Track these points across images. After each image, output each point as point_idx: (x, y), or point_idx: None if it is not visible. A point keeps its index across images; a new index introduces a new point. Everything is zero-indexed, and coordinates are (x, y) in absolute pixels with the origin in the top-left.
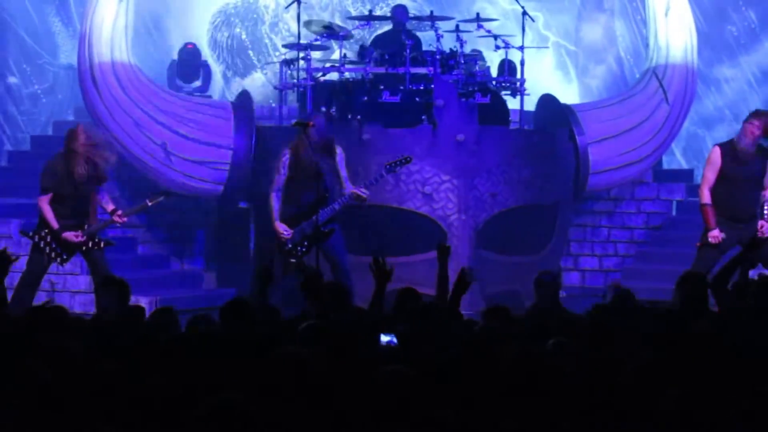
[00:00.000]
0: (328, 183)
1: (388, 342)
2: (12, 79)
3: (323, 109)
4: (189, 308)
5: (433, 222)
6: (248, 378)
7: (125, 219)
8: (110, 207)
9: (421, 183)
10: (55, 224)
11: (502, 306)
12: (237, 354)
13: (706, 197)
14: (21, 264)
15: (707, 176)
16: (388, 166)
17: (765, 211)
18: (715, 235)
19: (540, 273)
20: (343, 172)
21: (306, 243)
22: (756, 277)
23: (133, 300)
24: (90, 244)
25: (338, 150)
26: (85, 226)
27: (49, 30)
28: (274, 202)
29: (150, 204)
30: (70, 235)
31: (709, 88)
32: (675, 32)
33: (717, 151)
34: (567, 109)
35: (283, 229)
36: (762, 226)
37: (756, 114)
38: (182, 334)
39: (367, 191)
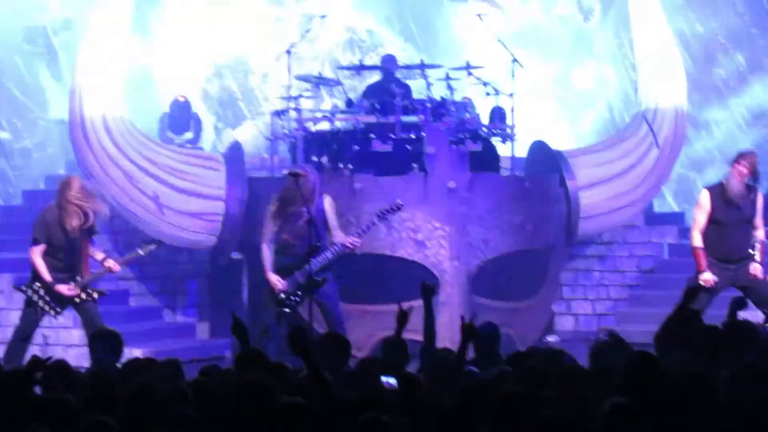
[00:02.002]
0: (320, 232)
1: (389, 384)
2: (3, 134)
3: (314, 159)
4: (183, 359)
5: (425, 270)
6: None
7: (118, 268)
8: (101, 257)
9: (413, 230)
10: (47, 277)
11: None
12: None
13: (697, 240)
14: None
15: (697, 219)
16: (379, 214)
17: (757, 252)
18: (707, 278)
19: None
20: (333, 222)
21: (299, 292)
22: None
23: (127, 352)
24: (83, 296)
25: (328, 199)
26: (78, 278)
27: (39, 85)
28: (266, 253)
29: (142, 253)
30: (62, 288)
31: (699, 131)
32: (664, 76)
33: (706, 194)
34: (558, 154)
35: (276, 279)
36: (755, 268)
37: (742, 155)
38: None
39: (358, 240)
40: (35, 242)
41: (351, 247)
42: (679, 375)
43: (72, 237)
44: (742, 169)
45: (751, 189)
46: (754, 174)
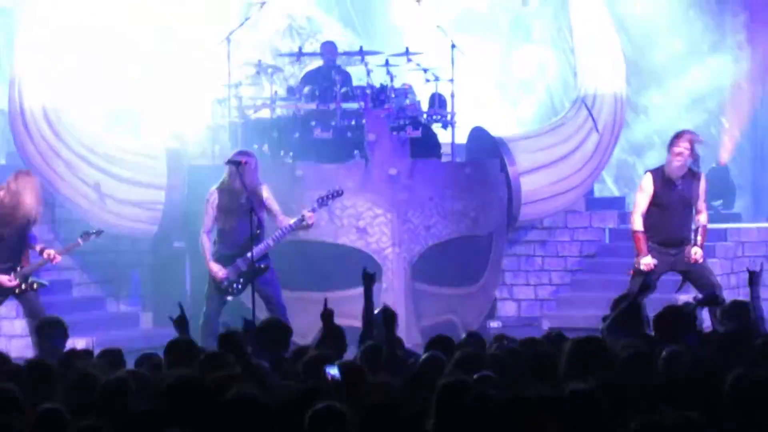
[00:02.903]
0: (261, 220)
1: (333, 375)
2: None
3: (255, 146)
4: (126, 348)
5: (367, 256)
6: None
7: (59, 258)
8: (40, 247)
9: (355, 218)
10: None
11: (445, 336)
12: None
13: (637, 224)
14: None
15: (639, 203)
16: (319, 200)
17: (698, 236)
18: (646, 262)
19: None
20: (276, 207)
21: (241, 280)
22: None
23: (70, 342)
24: (23, 286)
25: (265, 187)
26: (18, 269)
27: None
28: (206, 242)
29: (82, 243)
30: (2, 279)
31: (638, 116)
32: (603, 61)
33: (649, 177)
34: (498, 140)
35: (217, 268)
36: (695, 252)
37: (679, 135)
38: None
39: (312, 214)
40: None
41: (309, 221)
42: (624, 357)
43: (10, 227)
44: (681, 149)
45: (694, 173)
46: (693, 152)
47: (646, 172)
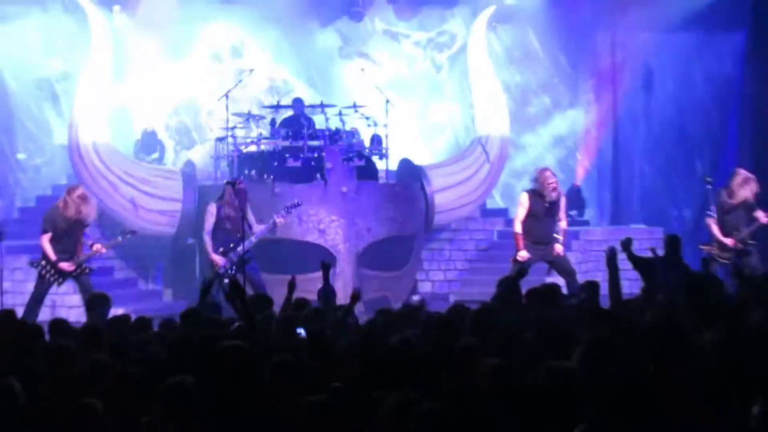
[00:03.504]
0: (248, 225)
1: (300, 333)
2: (20, 155)
3: (246, 172)
4: (154, 315)
5: (326, 250)
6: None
7: (104, 250)
8: (91, 242)
9: (317, 222)
10: (53, 257)
11: (385, 308)
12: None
13: (518, 228)
14: (30, 287)
15: (518, 213)
16: (285, 209)
17: (560, 236)
18: (523, 255)
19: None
20: (252, 218)
21: (234, 267)
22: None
23: (112, 311)
24: (78, 271)
25: (247, 204)
26: (75, 258)
27: (45, 119)
28: (208, 240)
29: (121, 240)
30: (64, 265)
31: (518, 151)
32: (493, 112)
33: (525, 195)
34: (419, 168)
35: (218, 258)
36: (558, 248)
37: (541, 170)
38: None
39: (282, 219)
40: (44, 231)
41: (278, 224)
42: (508, 321)
43: (70, 228)
44: (547, 176)
45: (558, 193)
46: (538, 180)
47: (523, 191)
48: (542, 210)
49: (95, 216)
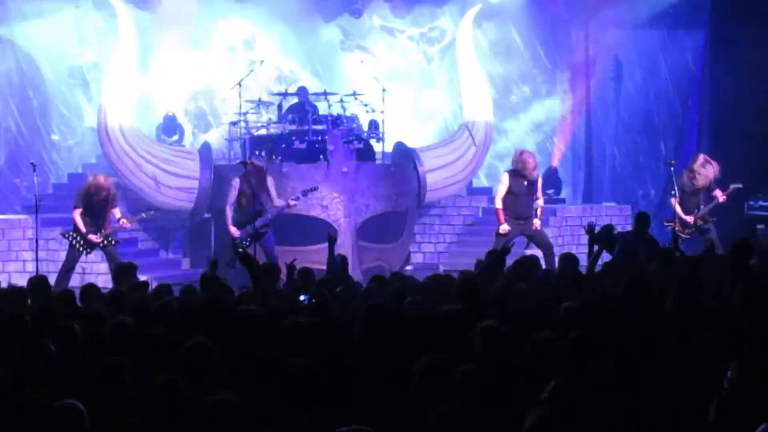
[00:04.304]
0: (263, 200)
1: (304, 299)
2: (54, 137)
3: (257, 152)
4: (173, 281)
5: (328, 224)
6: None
7: (129, 225)
8: (118, 216)
9: (320, 199)
10: (83, 229)
11: (380, 274)
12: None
13: (499, 204)
14: (62, 256)
15: (500, 191)
16: (302, 192)
17: (538, 212)
18: (504, 229)
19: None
20: (274, 193)
21: (249, 239)
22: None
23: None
24: (105, 242)
25: (269, 179)
26: (103, 230)
27: (77, 104)
28: (229, 213)
29: (145, 216)
30: (93, 237)
31: (500, 136)
32: (479, 100)
33: (506, 175)
34: (411, 150)
35: (234, 230)
36: (536, 223)
37: (520, 152)
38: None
39: (296, 202)
40: (75, 206)
41: (291, 205)
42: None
43: (99, 203)
44: (526, 158)
45: (536, 173)
46: (520, 162)
47: (504, 171)
48: (521, 188)
49: (114, 191)
